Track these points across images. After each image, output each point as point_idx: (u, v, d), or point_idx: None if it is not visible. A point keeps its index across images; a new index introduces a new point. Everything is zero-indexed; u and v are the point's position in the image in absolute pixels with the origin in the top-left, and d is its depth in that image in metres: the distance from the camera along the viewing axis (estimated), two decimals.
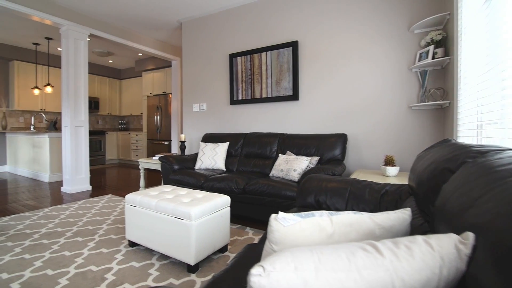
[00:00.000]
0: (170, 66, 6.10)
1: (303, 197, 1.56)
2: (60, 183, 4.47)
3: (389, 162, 2.17)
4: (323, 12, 3.01)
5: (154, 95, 6.50)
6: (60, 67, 6.45)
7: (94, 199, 3.45)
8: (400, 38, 2.61)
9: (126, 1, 3.65)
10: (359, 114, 2.83)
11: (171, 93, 6.01)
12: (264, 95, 3.40)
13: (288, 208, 2.18)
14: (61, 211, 2.94)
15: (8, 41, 5.47)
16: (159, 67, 6.37)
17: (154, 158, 3.52)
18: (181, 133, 5.72)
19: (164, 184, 3.16)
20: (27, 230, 2.39)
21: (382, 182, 1.50)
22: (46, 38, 5.24)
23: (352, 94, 2.87)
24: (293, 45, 3.16)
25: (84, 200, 3.36)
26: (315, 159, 2.50)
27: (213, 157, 3.17)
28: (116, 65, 7.38)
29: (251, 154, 3.16)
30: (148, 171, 5.78)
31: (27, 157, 5.21)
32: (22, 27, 4.70)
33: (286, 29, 3.27)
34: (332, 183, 1.54)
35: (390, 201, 1.32)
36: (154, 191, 2.07)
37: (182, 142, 3.58)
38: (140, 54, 6.32)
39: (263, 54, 3.41)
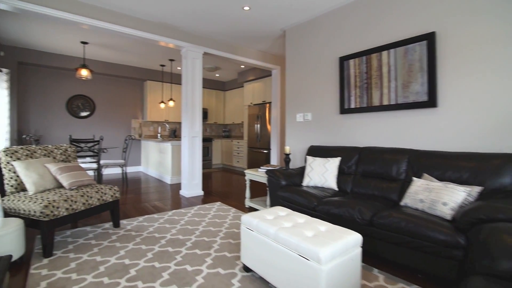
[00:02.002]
0: (270, 75, 6.15)
1: (491, 259, 1.06)
2: (178, 186, 5.06)
3: None
4: None
5: (254, 104, 6.71)
6: (179, 84, 7.51)
7: (206, 205, 3.68)
8: None
9: (234, 18, 3.78)
10: None
11: (270, 102, 6.05)
12: (385, 102, 2.87)
13: (435, 254, 1.65)
14: (181, 216, 3.22)
15: (143, 65, 6.66)
16: (259, 77, 6.54)
17: (259, 170, 3.49)
18: (281, 143, 5.65)
19: (271, 198, 3.05)
20: (156, 234, 2.67)
21: None
22: (169, 60, 6.12)
23: None
24: (428, 38, 2.53)
25: (198, 207, 3.63)
26: (476, 189, 1.83)
27: (323, 174, 2.86)
28: (222, 78, 8.03)
29: (369, 173, 2.69)
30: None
31: (155, 161, 6.18)
32: (153, 53, 5.60)
33: (415, 20, 2.66)
34: None
35: None
36: (268, 213, 1.93)
37: (287, 155, 3.42)
38: (242, 66, 6.64)
39: (384, 53, 2.88)
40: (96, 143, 4.43)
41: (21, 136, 5.08)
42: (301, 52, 3.87)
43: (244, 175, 6.45)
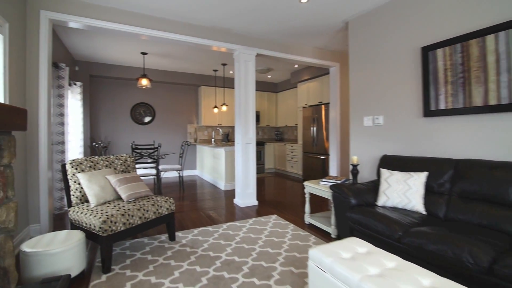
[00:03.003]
0: (327, 74, 5.63)
1: None
2: (232, 193, 4.93)
3: None
4: None
5: (309, 106, 6.25)
6: (231, 87, 7.48)
7: (262, 219, 3.41)
8: None
9: (289, 13, 3.44)
10: None
11: (328, 103, 5.53)
12: (491, 101, 2.20)
13: None
14: (236, 231, 3.00)
15: (197, 71, 6.76)
16: (314, 77, 6.06)
17: (321, 183, 3.08)
18: (341, 148, 5.11)
19: (337, 218, 2.63)
20: (210, 252, 2.48)
21: None
22: (222, 64, 6.06)
23: None
24: None
25: (253, 220, 3.38)
26: None
27: (405, 193, 2.33)
28: (273, 79, 7.75)
29: (471, 194, 2.07)
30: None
31: (209, 166, 6.19)
32: (206, 58, 5.59)
33: None
34: None
35: None
36: (344, 249, 1.54)
37: (354, 166, 2.94)
38: (296, 66, 6.25)
39: (489, 38, 2.22)
40: (155, 150, 4.55)
41: (92, 143, 5.53)
42: (369, 45, 3.33)
43: (299, 181, 6.05)
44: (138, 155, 4.48)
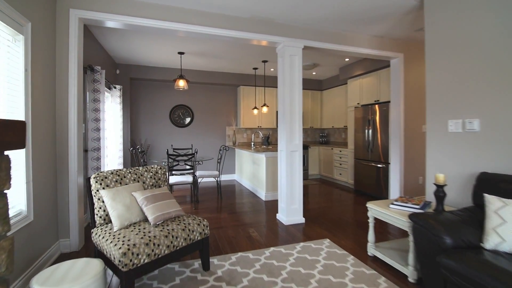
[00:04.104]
0: (386, 67, 4.79)
1: None
2: (274, 205, 4.41)
3: None
4: None
5: (362, 105, 5.44)
6: (272, 87, 6.95)
7: (312, 244, 2.82)
8: None
9: None
10: None
11: (387, 102, 4.69)
12: None
13: None
14: (281, 261, 2.47)
15: (236, 70, 6.36)
16: (369, 71, 5.23)
17: (392, 207, 2.39)
18: (405, 156, 4.27)
19: (421, 262, 1.93)
20: None
21: None
22: (262, 61, 5.56)
23: None
24: None
25: (301, 245, 2.81)
26: None
27: None
28: (318, 76, 7.03)
29: None
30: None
31: (249, 172, 5.75)
32: (245, 55, 5.14)
33: None
34: None
35: None
36: None
37: (440, 187, 2.19)
38: (346, 60, 5.48)
39: None
40: (191, 156, 4.23)
41: (130, 148, 5.44)
42: (457, 25, 2.52)
43: (349, 191, 5.29)
44: (175, 161, 4.19)
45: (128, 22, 2.90)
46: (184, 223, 2.20)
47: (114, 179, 2.30)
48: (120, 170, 2.41)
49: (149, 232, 1.99)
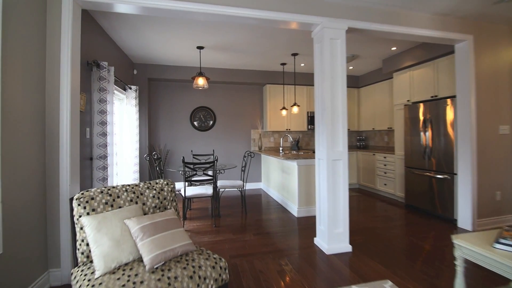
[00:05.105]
0: (446, 54, 3.87)
1: None
2: (308, 223, 3.67)
3: None
4: None
5: (413, 102, 4.52)
6: (303, 85, 6.20)
7: None
8: None
9: None
10: None
11: (451, 97, 3.76)
12: None
13: None
14: None
15: (263, 67, 5.72)
16: (423, 61, 4.32)
17: (497, 247, 1.57)
18: (478, 166, 3.34)
19: None
20: None
21: None
22: (292, 54, 4.87)
23: None
24: None
25: None
26: None
27: None
28: (355, 71, 6.18)
29: None
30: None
31: (277, 181, 5.05)
32: (272, 48, 4.48)
33: None
34: None
35: None
36: None
37: None
38: (393, 49, 4.61)
39: None
40: (211, 164, 3.63)
41: (145, 155, 4.98)
42: None
43: (397, 205, 4.36)
44: (193, 171, 3.62)
45: (139, 4, 2.36)
46: (193, 266, 1.56)
47: (103, 201, 1.72)
48: (113, 187, 1.83)
49: (142, 282, 1.37)
